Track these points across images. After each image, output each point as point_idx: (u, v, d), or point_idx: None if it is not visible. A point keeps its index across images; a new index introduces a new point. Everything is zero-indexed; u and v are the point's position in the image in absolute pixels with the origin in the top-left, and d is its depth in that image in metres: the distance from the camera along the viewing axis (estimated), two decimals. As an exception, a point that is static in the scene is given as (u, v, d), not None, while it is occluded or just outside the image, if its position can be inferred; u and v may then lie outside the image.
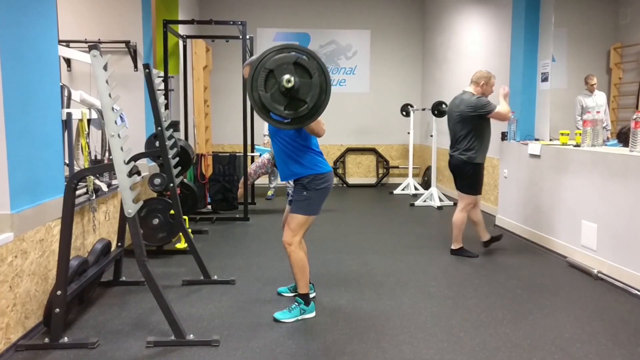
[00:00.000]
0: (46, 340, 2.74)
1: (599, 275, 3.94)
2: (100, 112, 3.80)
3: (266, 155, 6.50)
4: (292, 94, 2.62)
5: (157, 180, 4.18)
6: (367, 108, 9.42)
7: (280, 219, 3.54)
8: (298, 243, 3.15)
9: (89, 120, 3.79)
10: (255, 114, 7.22)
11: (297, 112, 2.67)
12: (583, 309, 3.37)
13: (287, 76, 2.56)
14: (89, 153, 3.77)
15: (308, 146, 3.11)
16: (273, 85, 2.63)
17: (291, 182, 3.25)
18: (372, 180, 9.40)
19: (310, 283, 3.50)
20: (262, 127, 7.50)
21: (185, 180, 5.69)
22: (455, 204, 7.14)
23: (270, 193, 7.71)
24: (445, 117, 7.27)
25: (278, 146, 3.15)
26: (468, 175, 4.48)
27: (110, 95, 2.79)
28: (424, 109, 8.46)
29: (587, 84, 6.30)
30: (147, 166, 5.17)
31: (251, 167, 6.47)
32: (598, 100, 6.28)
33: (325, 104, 2.68)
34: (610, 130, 6.27)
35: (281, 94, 2.64)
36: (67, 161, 3.53)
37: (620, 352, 2.75)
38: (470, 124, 4.42)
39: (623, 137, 4.46)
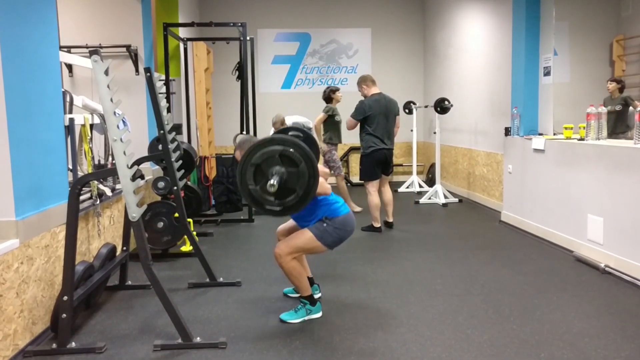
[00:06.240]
0: (54, 345, 2.75)
1: (606, 269, 3.92)
2: (102, 116, 3.81)
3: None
4: (281, 186, 2.70)
5: (161, 184, 4.17)
6: (370, 106, 9.39)
7: (283, 219, 3.53)
8: (289, 257, 3.08)
9: (91, 125, 3.80)
10: (257, 116, 7.32)
11: (288, 202, 2.77)
12: (591, 303, 3.36)
13: (271, 181, 2.66)
14: (92, 158, 3.78)
15: (317, 204, 3.08)
16: (261, 178, 2.74)
17: None
18: (376, 178, 9.36)
19: (315, 284, 3.50)
20: (265, 132, 7.50)
21: (189, 183, 5.70)
22: (460, 201, 7.14)
23: None
24: (447, 114, 7.32)
25: None
26: None
27: (112, 100, 2.79)
28: (426, 106, 8.44)
29: None
30: (150, 170, 5.17)
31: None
32: None
33: (315, 188, 2.78)
34: None
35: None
36: (70, 166, 3.54)
37: (629, 346, 2.73)
38: None
39: None
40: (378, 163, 5.43)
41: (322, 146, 6.37)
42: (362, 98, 5.55)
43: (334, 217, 3.08)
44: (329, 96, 6.44)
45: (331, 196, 3.14)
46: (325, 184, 3.01)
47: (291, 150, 2.71)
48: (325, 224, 3.07)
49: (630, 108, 5.55)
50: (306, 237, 3.07)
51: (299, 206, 2.80)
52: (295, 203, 2.78)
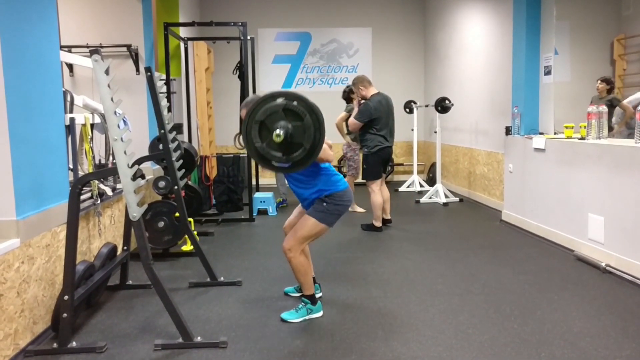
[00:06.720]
0: (54, 345, 2.75)
1: (607, 268, 3.91)
2: (103, 116, 3.80)
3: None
4: (287, 141, 2.66)
5: (162, 183, 4.18)
6: (370, 106, 9.39)
7: (285, 218, 3.53)
8: (299, 250, 3.10)
9: (92, 125, 3.80)
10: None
11: (296, 157, 2.73)
12: (591, 302, 3.35)
13: (277, 131, 2.61)
14: (93, 157, 3.78)
15: (319, 171, 3.10)
16: (267, 135, 2.69)
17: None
18: (377, 178, 9.36)
19: (316, 283, 3.50)
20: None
21: (189, 182, 5.70)
22: (461, 200, 7.13)
23: (280, 200, 7.01)
24: (448, 114, 7.32)
25: (290, 177, 3.15)
26: None
27: (112, 99, 2.79)
28: (427, 106, 8.43)
29: None
30: (151, 169, 5.17)
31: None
32: None
33: (322, 142, 2.74)
34: None
35: (277, 143, 2.69)
36: (71, 166, 3.54)
37: (630, 345, 2.73)
38: None
39: None
40: (382, 161, 5.52)
41: (350, 142, 6.46)
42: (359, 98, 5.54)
43: (334, 192, 3.09)
44: (349, 96, 6.46)
45: (332, 168, 3.17)
46: (328, 151, 3.01)
47: (294, 103, 2.68)
48: (325, 203, 3.08)
49: (617, 108, 5.58)
50: (310, 223, 3.08)
51: (306, 161, 2.77)
52: (303, 157, 2.74)
